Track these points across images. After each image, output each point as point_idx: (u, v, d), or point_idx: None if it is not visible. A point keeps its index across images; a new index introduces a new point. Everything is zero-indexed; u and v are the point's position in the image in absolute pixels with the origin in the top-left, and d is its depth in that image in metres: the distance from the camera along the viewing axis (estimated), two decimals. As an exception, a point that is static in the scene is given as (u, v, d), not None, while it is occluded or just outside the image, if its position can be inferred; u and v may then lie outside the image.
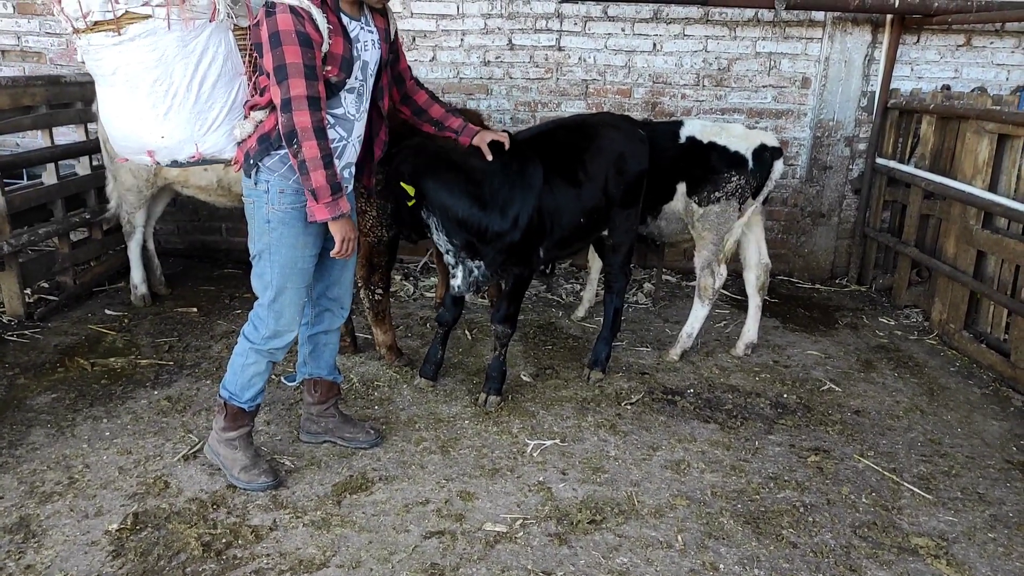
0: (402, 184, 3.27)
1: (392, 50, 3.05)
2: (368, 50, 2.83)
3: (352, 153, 2.95)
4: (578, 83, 5.85)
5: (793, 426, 3.75)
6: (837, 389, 4.18)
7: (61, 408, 3.69)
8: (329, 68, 2.65)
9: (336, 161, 2.73)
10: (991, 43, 5.73)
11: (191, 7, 2.53)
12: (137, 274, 5.07)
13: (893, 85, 5.71)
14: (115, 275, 5.49)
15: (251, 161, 2.74)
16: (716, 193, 4.17)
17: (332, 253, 2.86)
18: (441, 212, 3.40)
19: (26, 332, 4.57)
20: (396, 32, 3.05)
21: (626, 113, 5.86)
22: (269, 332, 2.94)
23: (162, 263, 5.42)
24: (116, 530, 2.77)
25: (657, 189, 4.33)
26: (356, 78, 2.79)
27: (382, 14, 2.94)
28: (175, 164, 2.82)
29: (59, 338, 4.54)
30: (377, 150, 3.18)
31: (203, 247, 6.26)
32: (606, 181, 3.80)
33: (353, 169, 3.02)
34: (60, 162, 4.99)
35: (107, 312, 4.96)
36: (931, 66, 5.79)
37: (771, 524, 2.95)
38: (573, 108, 5.90)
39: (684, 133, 4.29)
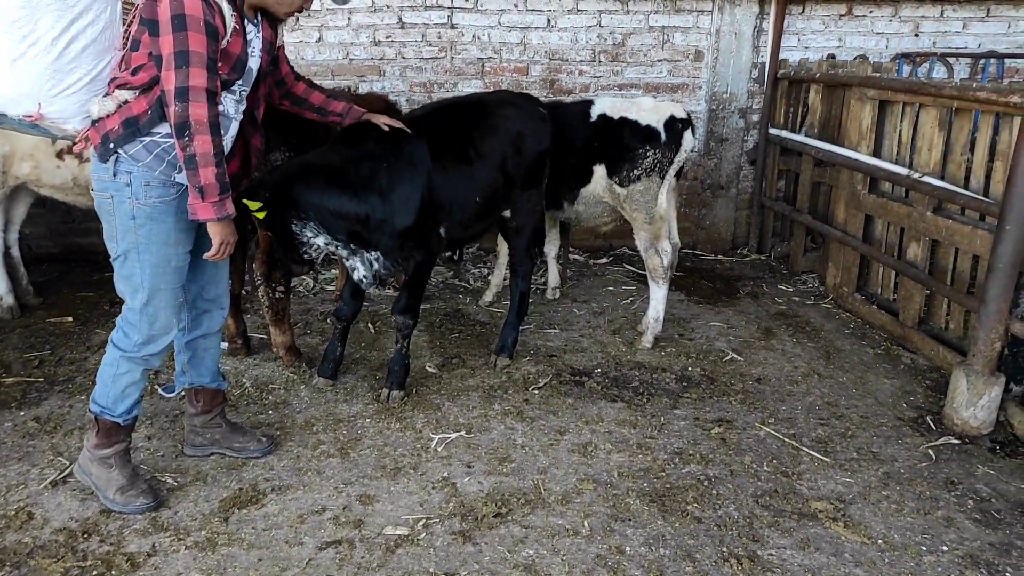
0: (243, 201, 3.00)
1: (273, 60, 2.91)
2: (254, 56, 2.71)
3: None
4: (474, 62, 5.69)
5: (697, 399, 3.77)
6: (739, 359, 4.24)
7: (-91, 439, 3.31)
8: (221, 65, 2.49)
9: None
10: (871, 12, 5.92)
11: None
12: (1, 284, 4.62)
13: (782, 56, 5.82)
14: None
15: (110, 146, 2.47)
16: (635, 171, 4.10)
17: (207, 256, 2.65)
18: (314, 212, 3.22)
19: None
20: (282, 43, 2.95)
21: (524, 91, 5.77)
22: (143, 338, 2.70)
23: (33, 270, 4.98)
24: (-32, 574, 2.49)
25: (573, 172, 4.24)
26: (239, 82, 2.66)
27: (273, 26, 2.80)
28: (2, 119, 2.48)
29: (-89, 360, 4.09)
30: (253, 157, 3.02)
31: (79, 250, 5.78)
32: (503, 160, 3.69)
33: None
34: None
35: (-32, 328, 4.51)
36: (816, 36, 5.93)
37: (676, 501, 2.93)
38: (470, 87, 5.74)
39: (595, 111, 4.21)
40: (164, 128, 2.49)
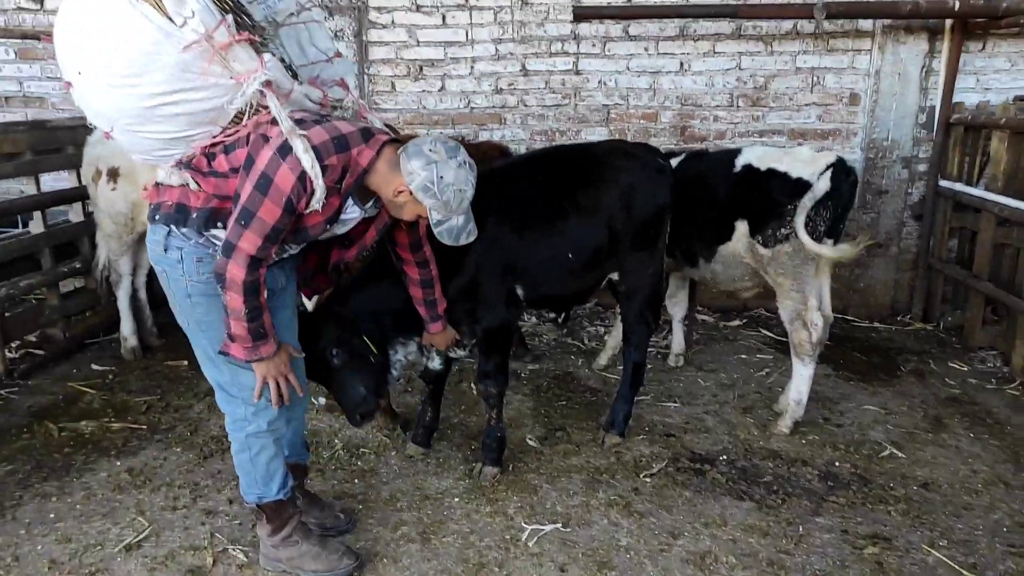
0: (367, 343, 2.97)
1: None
2: (342, 224, 2.50)
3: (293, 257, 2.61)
4: (599, 108, 5.38)
5: (846, 504, 3.12)
6: (900, 455, 3.53)
7: (12, 483, 3.33)
8: (295, 224, 2.31)
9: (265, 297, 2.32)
10: (1070, 47, 5.04)
11: (228, 57, 2.11)
12: (126, 326, 4.77)
13: (956, 98, 5.06)
14: (112, 325, 5.20)
15: (159, 220, 2.31)
16: (783, 230, 3.58)
17: (255, 398, 2.45)
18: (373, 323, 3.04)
19: (2, 392, 4.28)
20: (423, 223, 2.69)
21: (652, 139, 5.37)
22: (252, 409, 2.48)
23: (159, 312, 5.11)
24: (22, 646, 2.36)
25: (710, 228, 3.80)
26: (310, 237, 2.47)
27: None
28: (83, 120, 2.32)
29: (35, 398, 4.24)
30: (333, 258, 2.78)
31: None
32: (608, 215, 3.30)
33: (293, 270, 2.67)
34: (51, 209, 4.77)
35: (93, 367, 4.66)
36: (1000, 75, 5.12)
37: (817, 646, 2.35)
38: (594, 136, 5.42)
39: (740, 161, 3.75)
40: (213, 231, 2.31)
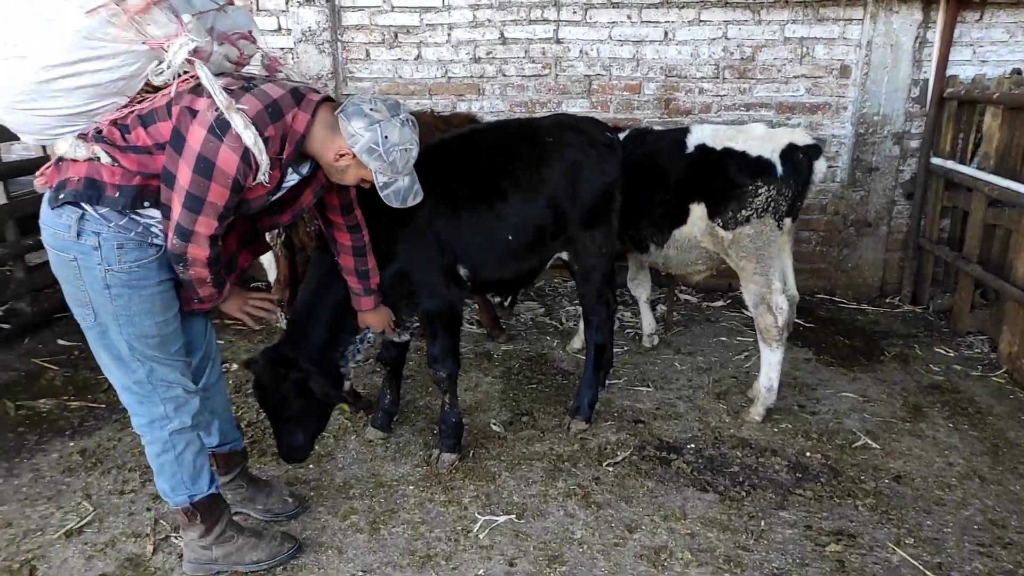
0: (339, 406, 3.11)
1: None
2: (279, 191, 2.35)
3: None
4: (580, 79, 5.18)
5: (813, 498, 3.02)
6: (875, 445, 3.41)
7: (-41, 464, 3.26)
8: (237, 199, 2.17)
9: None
10: (1074, 18, 4.81)
11: (143, 21, 1.93)
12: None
13: (951, 71, 4.85)
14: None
15: (61, 195, 2.08)
16: (743, 211, 3.42)
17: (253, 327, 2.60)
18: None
19: (-39, 368, 4.20)
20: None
21: (636, 112, 5.19)
22: (171, 406, 2.34)
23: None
24: (-56, 640, 2.29)
25: (663, 211, 3.64)
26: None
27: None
28: None
29: (-5, 374, 4.15)
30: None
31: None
32: (553, 193, 3.15)
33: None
34: (15, 179, 4.64)
35: (59, 342, 4.57)
36: (998, 47, 4.90)
37: (766, 650, 2.26)
38: (575, 108, 5.24)
39: (692, 141, 3.58)
40: (141, 211, 2.14)
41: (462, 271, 3.07)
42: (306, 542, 2.74)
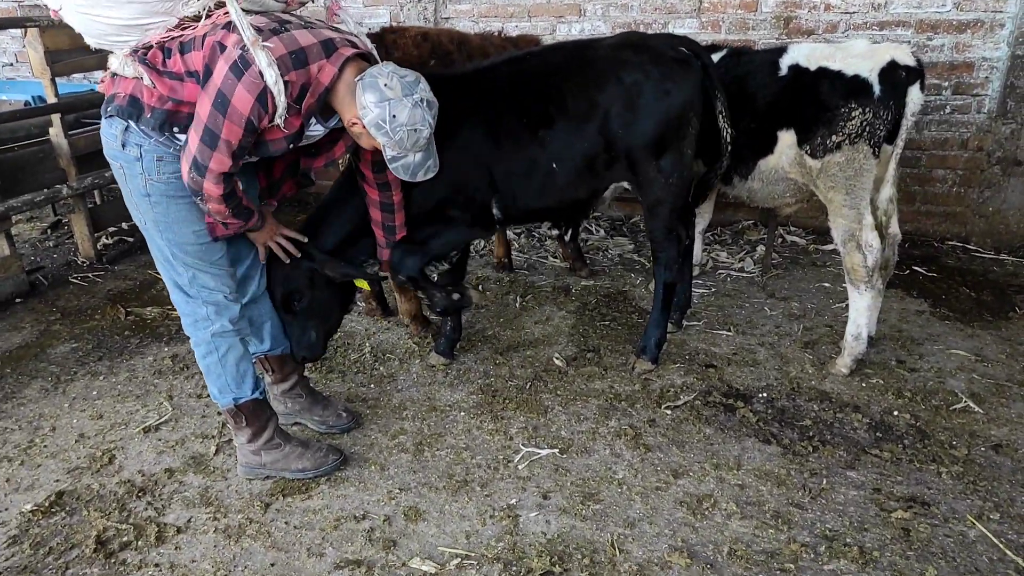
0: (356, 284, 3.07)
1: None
2: (311, 134, 2.38)
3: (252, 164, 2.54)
4: (689, -4, 4.78)
5: (890, 460, 2.74)
6: (977, 409, 3.03)
7: (72, 360, 3.63)
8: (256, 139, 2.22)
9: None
10: None
11: None
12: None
13: None
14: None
15: (112, 111, 2.23)
16: (834, 136, 3.06)
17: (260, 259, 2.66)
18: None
19: (89, 275, 4.65)
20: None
21: (751, 32, 4.74)
22: (212, 309, 2.48)
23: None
24: (30, 511, 2.57)
25: (749, 140, 3.32)
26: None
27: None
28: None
29: (116, 283, 4.56)
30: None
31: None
32: (605, 119, 2.91)
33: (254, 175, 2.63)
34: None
35: (173, 257, 4.92)
36: None
37: (796, 615, 2.10)
38: (683, 29, 4.86)
39: (785, 62, 3.21)
40: (170, 135, 2.22)
41: (495, 209, 2.98)
42: (352, 456, 2.84)
